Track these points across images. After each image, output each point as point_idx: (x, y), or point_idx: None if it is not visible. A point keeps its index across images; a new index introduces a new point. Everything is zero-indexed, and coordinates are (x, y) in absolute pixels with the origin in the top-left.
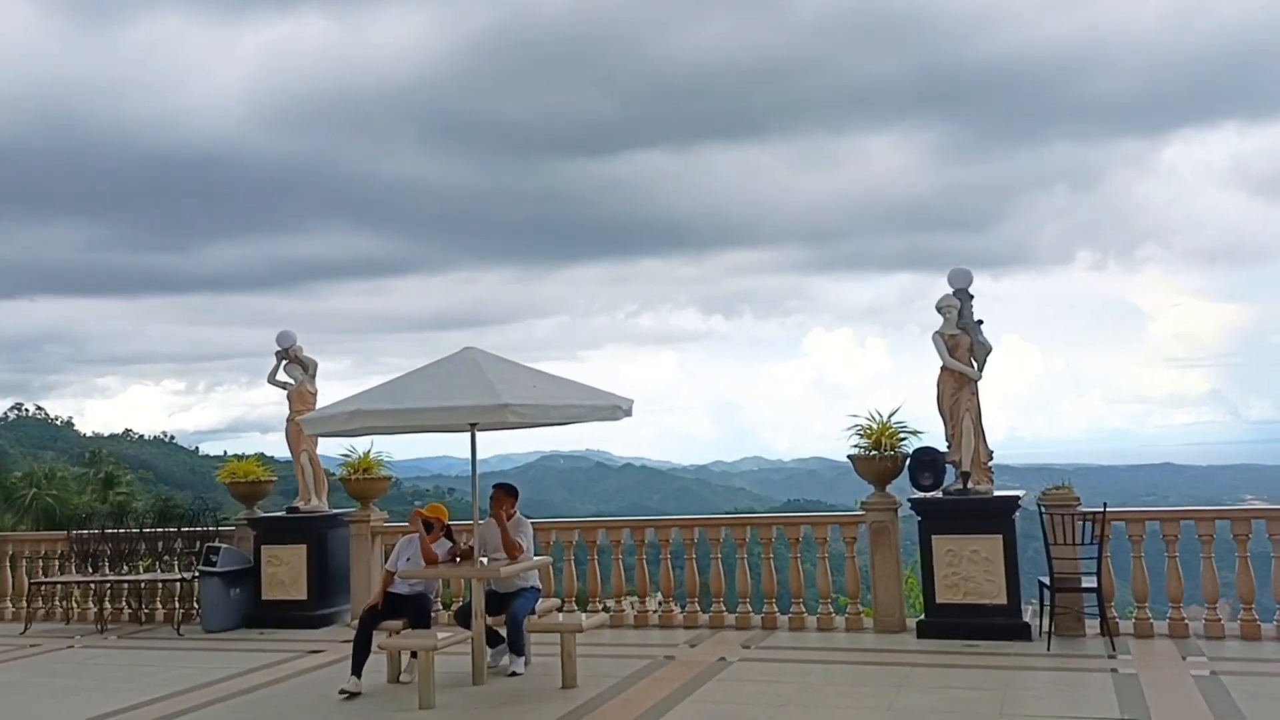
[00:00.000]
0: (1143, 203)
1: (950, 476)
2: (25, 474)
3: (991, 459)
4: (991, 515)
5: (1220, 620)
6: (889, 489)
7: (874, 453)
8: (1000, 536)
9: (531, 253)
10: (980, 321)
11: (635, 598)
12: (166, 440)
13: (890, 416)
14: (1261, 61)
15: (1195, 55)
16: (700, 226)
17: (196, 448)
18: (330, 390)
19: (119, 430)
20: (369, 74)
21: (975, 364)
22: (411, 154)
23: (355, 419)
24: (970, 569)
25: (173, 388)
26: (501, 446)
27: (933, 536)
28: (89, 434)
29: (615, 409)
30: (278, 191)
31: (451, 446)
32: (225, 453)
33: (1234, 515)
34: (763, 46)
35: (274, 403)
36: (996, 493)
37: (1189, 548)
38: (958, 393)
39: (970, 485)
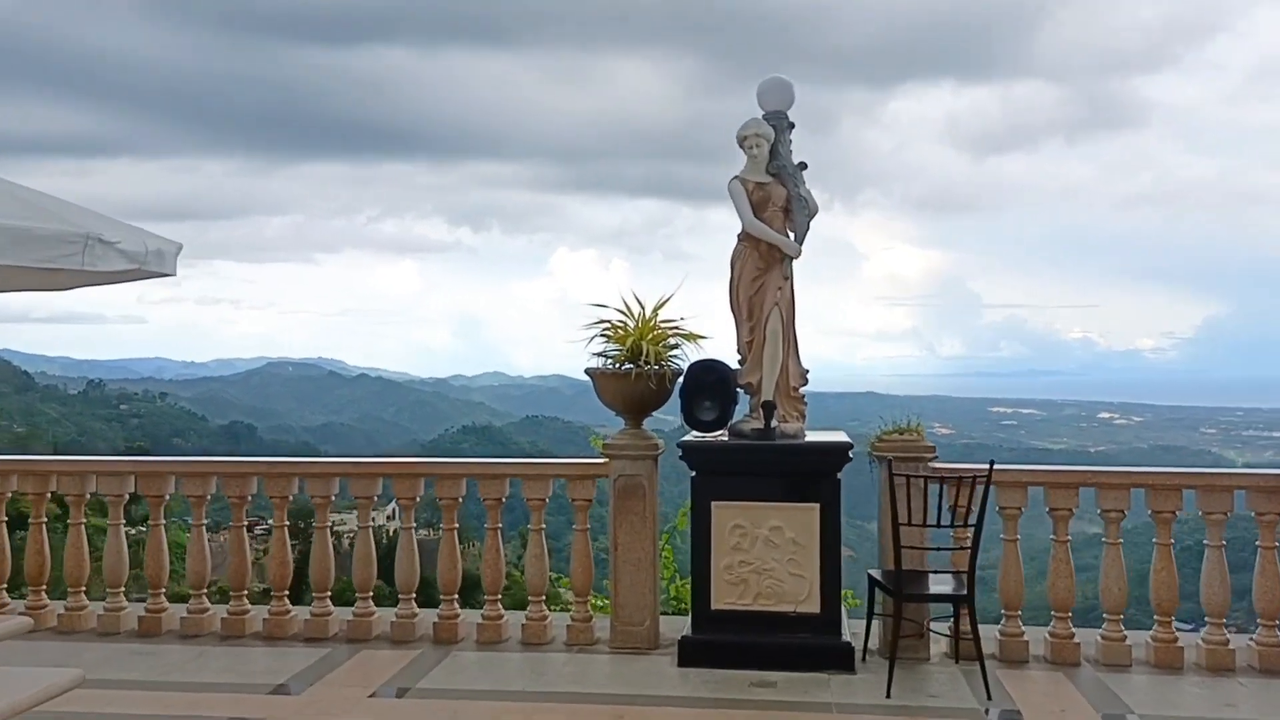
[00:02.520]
0: (868, 150)
1: (743, 408)
2: None
3: (805, 384)
4: (806, 473)
5: (1124, 638)
6: (646, 425)
7: (627, 367)
8: (817, 507)
9: (260, 144)
10: (803, 165)
11: (203, 591)
12: None
13: (657, 310)
14: (978, 25)
15: (923, 15)
16: (447, 134)
17: None
18: None
19: None
20: None
21: (794, 231)
22: (125, 20)
23: None
24: (768, 556)
25: None
26: (223, 350)
27: (712, 503)
28: None
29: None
30: None
31: (166, 347)
32: None
33: (1184, 483)
34: None
35: None
36: (811, 435)
37: (1084, 530)
38: (763, 276)
39: (775, 424)
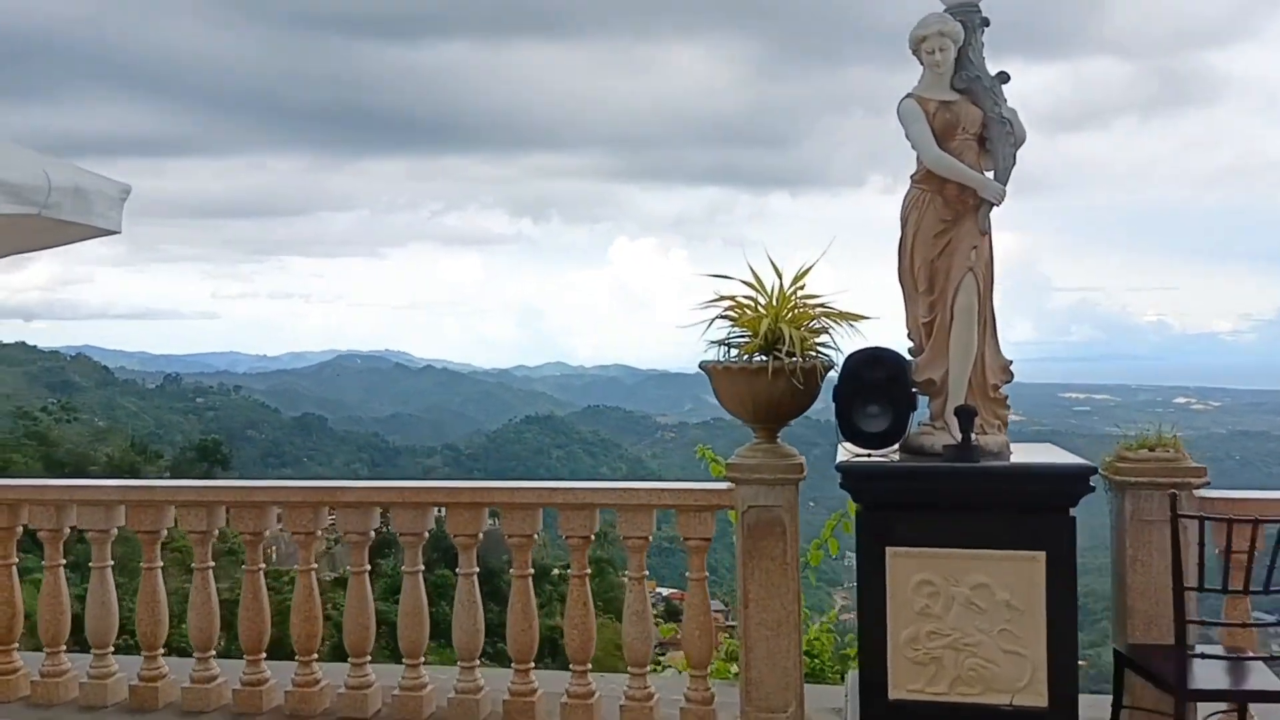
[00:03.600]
0: None
1: (921, 414)
2: None
3: (1009, 380)
4: (1027, 508)
5: None
6: (781, 438)
7: (760, 359)
8: (1042, 556)
9: (326, 141)
10: (1003, 77)
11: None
12: None
13: (798, 282)
14: (1047, 2)
15: None
16: (508, 125)
17: None
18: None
19: None
20: None
21: (993, 166)
22: (191, 21)
23: None
24: (970, 626)
25: None
26: (294, 343)
27: (888, 550)
28: None
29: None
30: (37, 54)
31: (240, 341)
32: None
33: None
34: None
35: (38, 287)
36: (1022, 456)
37: None
38: (949, 230)
39: (975, 437)
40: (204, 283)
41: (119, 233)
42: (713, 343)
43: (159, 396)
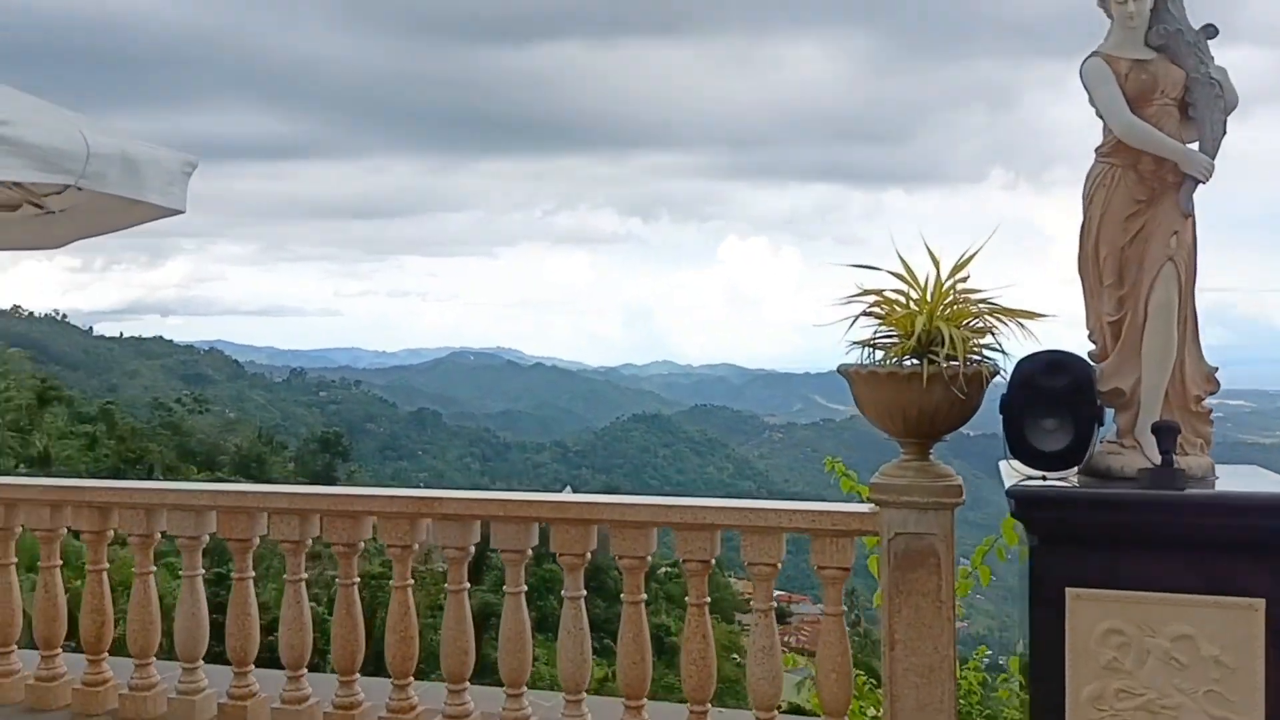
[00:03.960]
0: (1056, 125)
1: (1106, 428)
2: None
3: (1214, 390)
4: (1240, 546)
5: None
6: (933, 454)
7: (912, 362)
8: (1261, 605)
9: (442, 143)
10: (1210, 30)
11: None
12: (59, 319)
13: (957, 273)
14: None
15: None
16: (619, 126)
17: (91, 328)
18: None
19: (6, 306)
20: None
21: (1199, 137)
22: (317, 30)
23: None
24: (1169, 685)
25: (67, 264)
26: (411, 340)
27: (1068, 591)
28: None
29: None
30: (178, 62)
31: (360, 338)
32: (121, 334)
33: None
34: None
35: (175, 284)
36: (1230, 482)
37: None
38: (1144, 213)
39: (1174, 456)
40: (328, 281)
41: (182, 211)
42: (855, 344)
43: (285, 390)
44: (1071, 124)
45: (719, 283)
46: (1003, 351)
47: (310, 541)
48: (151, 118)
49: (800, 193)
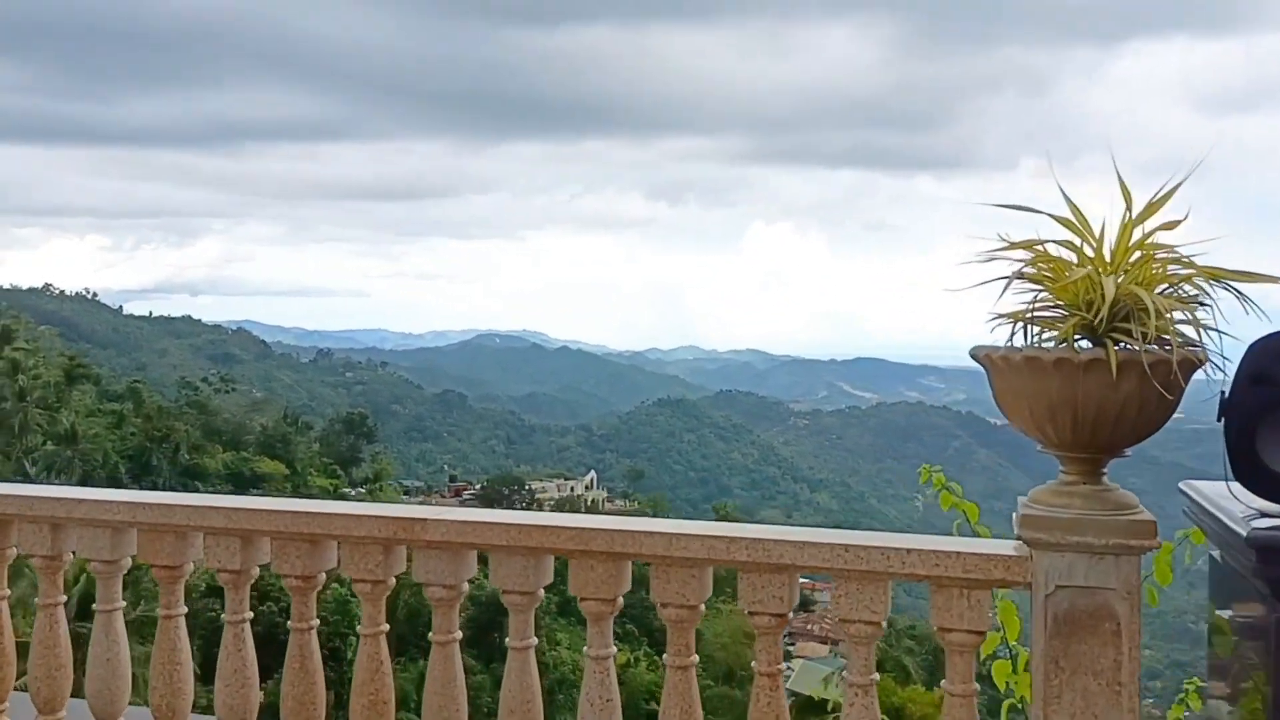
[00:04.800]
0: (1090, 113)
1: None
2: None
3: None
4: None
5: None
6: (1106, 474)
7: (1085, 344)
8: None
9: (468, 125)
10: None
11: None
12: (89, 297)
13: (1147, 215)
14: None
15: None
16: (646, 110)
17: (120, 307)
18: (269, 256)
19: (38, 284)
20: None
21: None
22: (347, 10)
23: None
24: None
25: (98, 243)
26: (438, 322)
27: None
28: (6, 286)
29: None
30: (207, 41)
31: (387, 319)
32: (151, 313)
33: None
34: None
35: (206, 264)
36: None
37: None
38: None
39: None
40: (355, 262)
41: None
42: (998, 317)
43: (312, 370)
44: (1104, 111)
45: (745, 268)
46: (1220, 332)
47: (257, 571)
48: (179, 99)
49: (828, 178)
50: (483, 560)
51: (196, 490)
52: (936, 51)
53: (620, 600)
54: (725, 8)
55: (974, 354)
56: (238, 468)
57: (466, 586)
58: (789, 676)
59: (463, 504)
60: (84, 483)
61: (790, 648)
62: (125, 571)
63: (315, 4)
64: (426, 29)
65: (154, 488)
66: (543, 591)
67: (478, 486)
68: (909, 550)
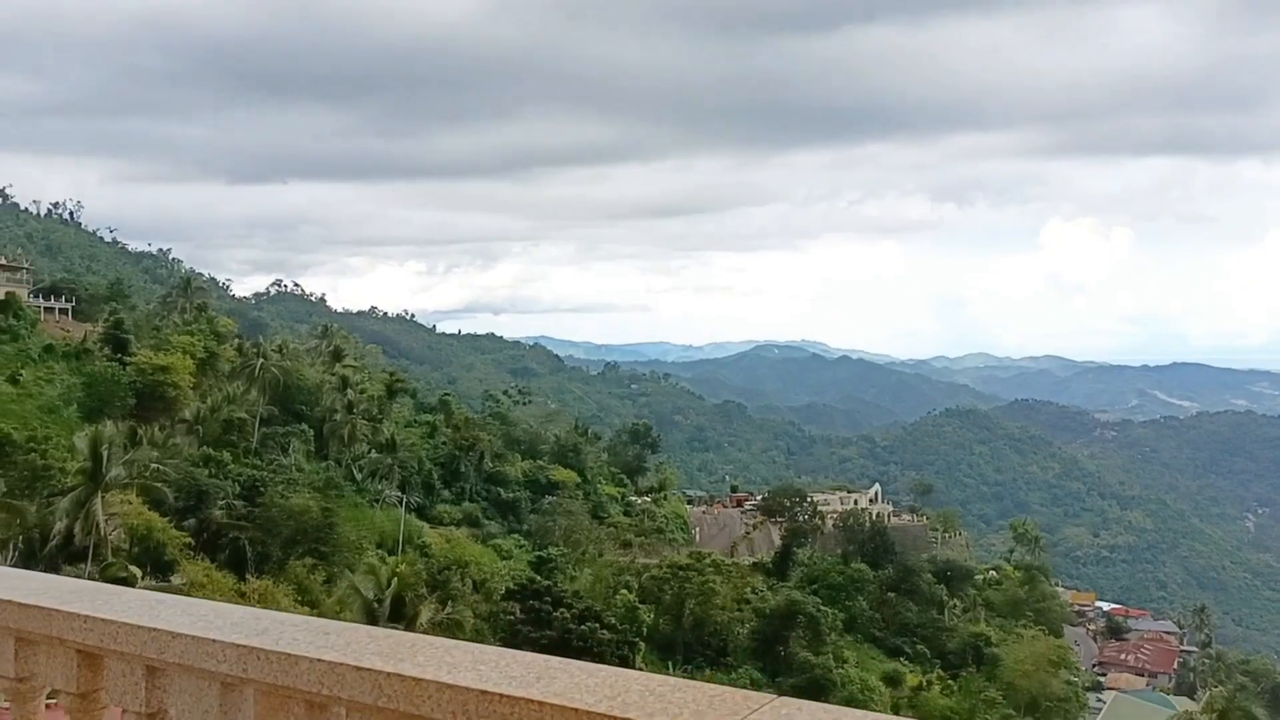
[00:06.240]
0: None
1: None
2: (253, 344)
3: None
4: None
5: None
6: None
7: None
8: None
9: (746, 139)
10: None
11: None
12: (407, 318)
13: None
14: None
15: None
16: (929, 109)
17: (434, 326)
18: (560, 275)
19: (365, 308)
20: None
21: None
22: (627, 36)
23: None
24: None
25: (415, 269)
26: (718, 334)
27: None
28: (340, 310)
29: None
30: (498, 76)
31: (668, 332)
32: (460, 331)
33: None
34: None
35: (506, 285)
36: None
37: None
38: None
39: None
40: (639, 278)
41: None
42: None
43: (600, 382)
44: None
45: (1041, 269)
46: None
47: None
48: (481, 132)
49: (1135, 168)
50: None
51: (498, 497)
52: (1257, 20)
53: None
54: None
55: None
56: (535, 475)
57: None
58: (1098, 710)
59: (744, 514)
60: (402, 489)
61: (1100, 677)
62: None
63: (598, 33)
64: (705, 47)
65: (461, 495)
66: None
67: (759, 497)
68: None
